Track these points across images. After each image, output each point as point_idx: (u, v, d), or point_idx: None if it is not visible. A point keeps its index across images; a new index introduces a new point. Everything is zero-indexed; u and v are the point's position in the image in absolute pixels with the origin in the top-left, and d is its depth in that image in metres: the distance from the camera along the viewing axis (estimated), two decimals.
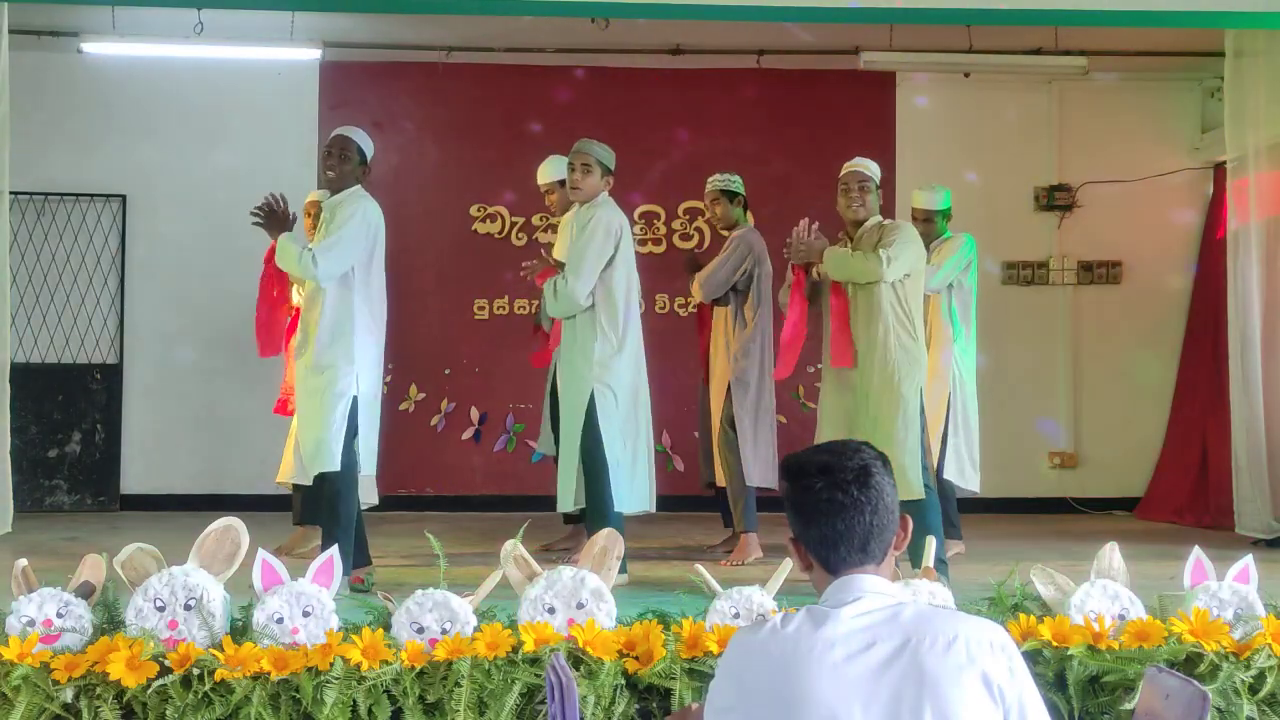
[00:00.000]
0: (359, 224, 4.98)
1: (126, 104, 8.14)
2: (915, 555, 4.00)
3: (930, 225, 6.10)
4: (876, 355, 4.98)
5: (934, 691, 1.89)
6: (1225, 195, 7.17)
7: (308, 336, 4.99)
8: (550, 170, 6.01)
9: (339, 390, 4.90)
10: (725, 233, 6.25)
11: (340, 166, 5.10)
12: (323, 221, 5.10)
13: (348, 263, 4.96)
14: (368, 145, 5.19)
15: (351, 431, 4.91)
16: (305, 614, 3.37)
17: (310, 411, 4.95)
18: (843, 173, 5.20)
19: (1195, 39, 7.46)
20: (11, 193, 6.40)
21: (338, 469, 4.86)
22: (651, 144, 8.17)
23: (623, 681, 3.36)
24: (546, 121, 8.08)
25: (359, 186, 5.13)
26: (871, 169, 5.20)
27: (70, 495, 8.05)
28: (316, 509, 4.96)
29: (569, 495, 5.25)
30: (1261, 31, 6.40)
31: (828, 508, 2.08)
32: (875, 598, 2.03)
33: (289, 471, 5.67)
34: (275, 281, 5.33)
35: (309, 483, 5.10)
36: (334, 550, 3.52)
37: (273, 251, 5.15)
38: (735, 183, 6.17)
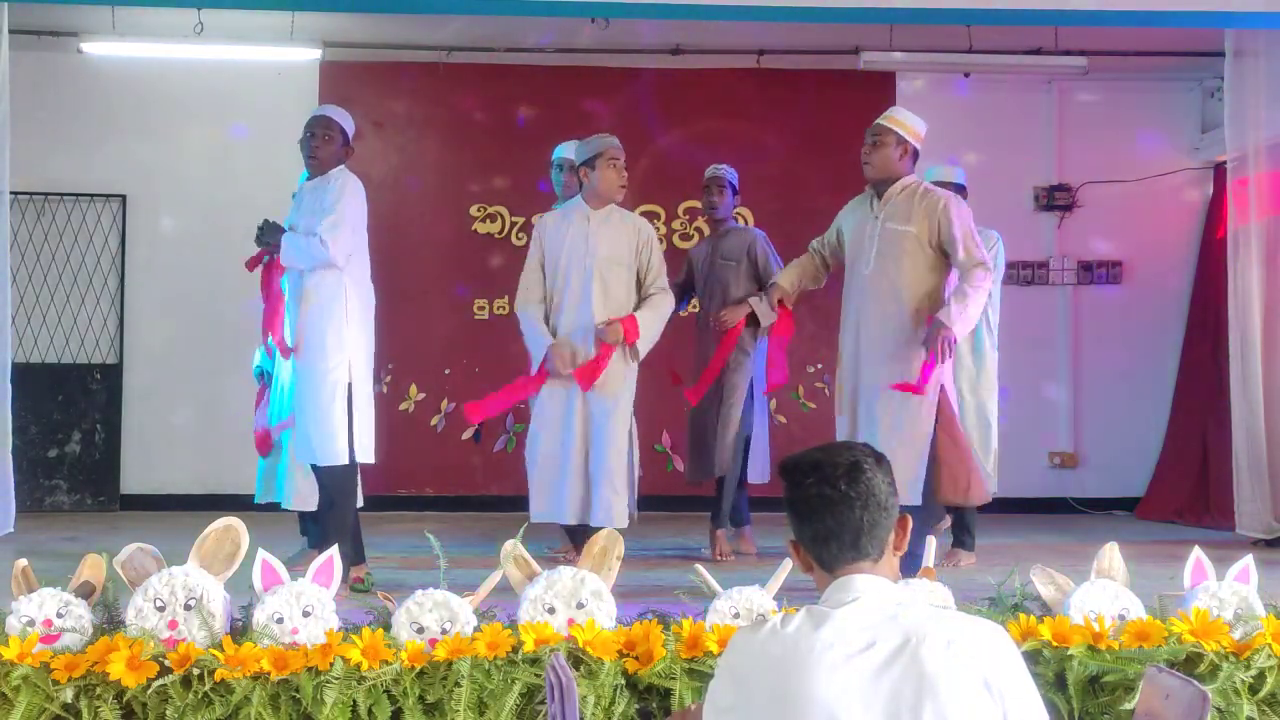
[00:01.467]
0: (356, 200, 4.91)
1: (126, 104, 8.14)
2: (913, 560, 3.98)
3: None
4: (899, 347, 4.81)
5: (933, 692, 1.89)
6: (1225, 195, 7.17)
7: (300, 329, 4.92)
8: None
9: (334, 380, 4.85)
10: (713, 225, 6.21)
11: (325, 147, 5.00)
12: (305, 204, 4.97)
13: (356, 239, 4.91)
14: (349, 124, 5.11)
15: (350, 421, 4.88)
16: (305, 614, 3.37)
17: (310, 404, 4.89)
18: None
19: (1195, 39, 7.46)
20: (11, 193, 6.41)
21: (346, 462, 4.87)
22: (651, 144, 8.17)
23: (623, 681, 3.36)
24: (546, 121, 8.08)
25: (343, 167, 5.05)
26: (898, 120, 4.92)
27: (70, 495, 8.05)
28: (328, 530, 4.91)
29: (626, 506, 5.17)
30: (1261, 31, 6.40)
31: (818, 503, 2.09)
32: (875, 598, 2.03)
33: (300, 499, 5.60)
34: (275, 283, 5.15)
35: (314, 508, 5.09)
36: (334, 550, 3.52)
37: (263, 265, 5.03)
38: (735, 176, 6.17)
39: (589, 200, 5.36)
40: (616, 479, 5.14)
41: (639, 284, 5.35)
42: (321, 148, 5.01)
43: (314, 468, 4.96)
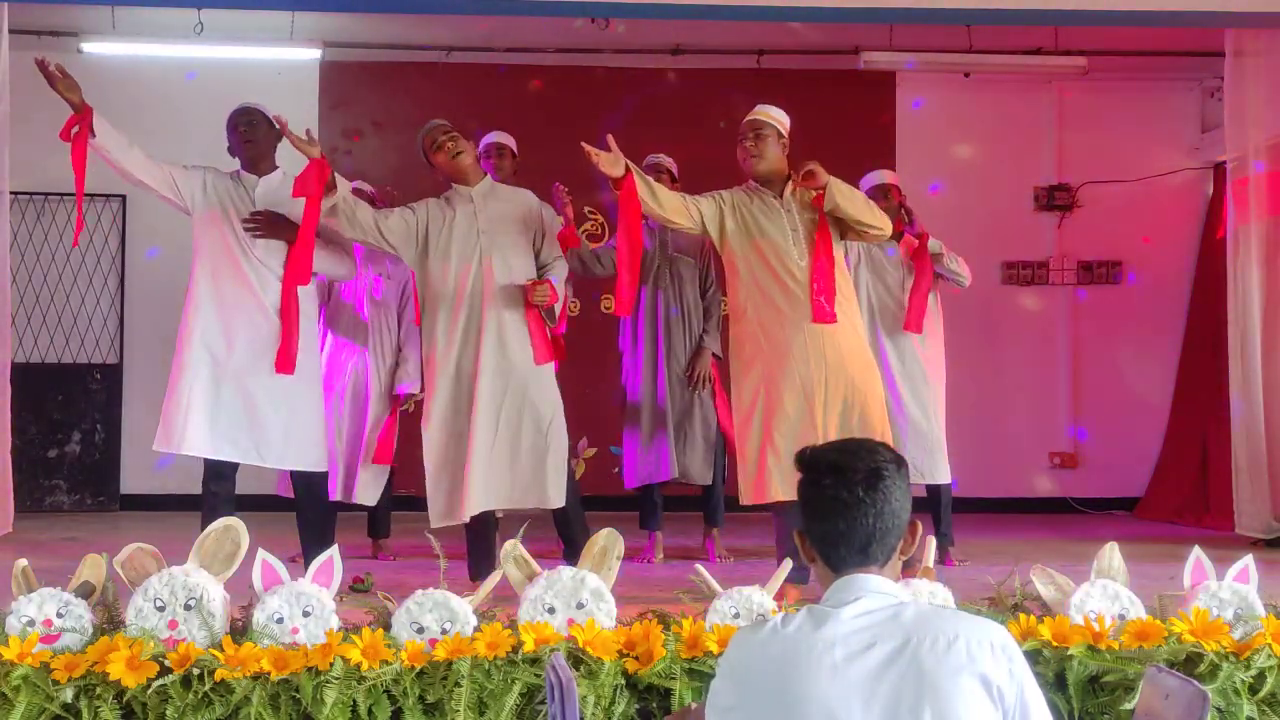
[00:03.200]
0: None
1: (126, 104, 8.11)
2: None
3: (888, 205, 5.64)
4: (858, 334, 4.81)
5: (933, 692, 1.89)
6: (1225, 195, 7.17)
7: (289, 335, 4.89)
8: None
9: (318, 383, 5.06)
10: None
11: (264, 141, 4.99)
12: (269, 202, 4.89)
13: None
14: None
15: None
16: (305, 614, 3.37)
17: (316, 409, 5.00)
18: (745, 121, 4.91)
19: (1195, 39, 7.45)
20: (11, 193, 6.42)
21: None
22: (651, 144, 8.15)
23: (623, 681, 3.36)
24: (546, 121, 8.08)
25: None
26: (773, 115, 4.91)
27: (70, 495, 8.05)
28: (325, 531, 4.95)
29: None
30: (1262, 31, 6.40)
31: (832, 505, 2.08)
32: (876, 598, 2.03)
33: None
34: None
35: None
36: (334, 550, 3.53)
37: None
38: (674, 165, 6.10)
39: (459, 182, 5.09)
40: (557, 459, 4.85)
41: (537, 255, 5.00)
42: (263, 138, 5.00)
43: (307, 474, 4.98)
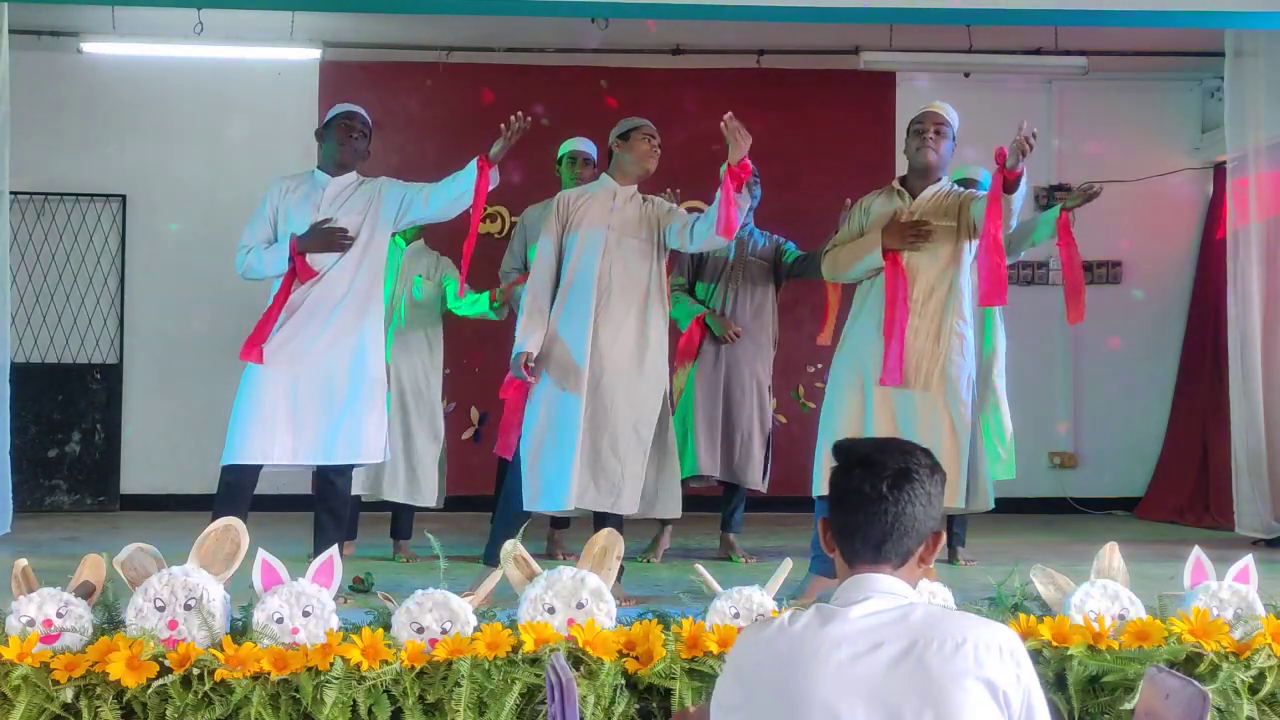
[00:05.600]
0: None
1: (126, 104, 8.14)
2: None
3: None
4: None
5: (937, 695, 1.89)
6: (1225, 195, 7.17)
7: (358, 329, 4.92)
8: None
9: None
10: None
11: (363, 143, 5.06)
12: (348, 204, 4.90)
13: None
14: None
15: None
16: (305, 614, 3.37)
17: (379, 403, 4.94)
18: (919, 114, 4.90)
19: (1195, 39, 7.46)
20: (11, 193, 6.41)
21: None
22: None
23: (623, 681, 3.36)
24: (547, 121, 8.08)
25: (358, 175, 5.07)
26: (950, 116, 4.86)
27: (70, 495, 8.05)
28: (338, 527, 4.89)
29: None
30: (1261, 31, 6.40)
31: (855, 498, 2.09)
32: (885, 598, 2.03)
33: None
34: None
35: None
36: (334, 550, 3.53)
37: (301, 256, 4.85)
38: None
39: (616, 177, 5.09)
40: (637, 464, 4.74)
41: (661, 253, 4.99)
42: (361, 144, 5.02)
43: (336, 468, 4.87)
